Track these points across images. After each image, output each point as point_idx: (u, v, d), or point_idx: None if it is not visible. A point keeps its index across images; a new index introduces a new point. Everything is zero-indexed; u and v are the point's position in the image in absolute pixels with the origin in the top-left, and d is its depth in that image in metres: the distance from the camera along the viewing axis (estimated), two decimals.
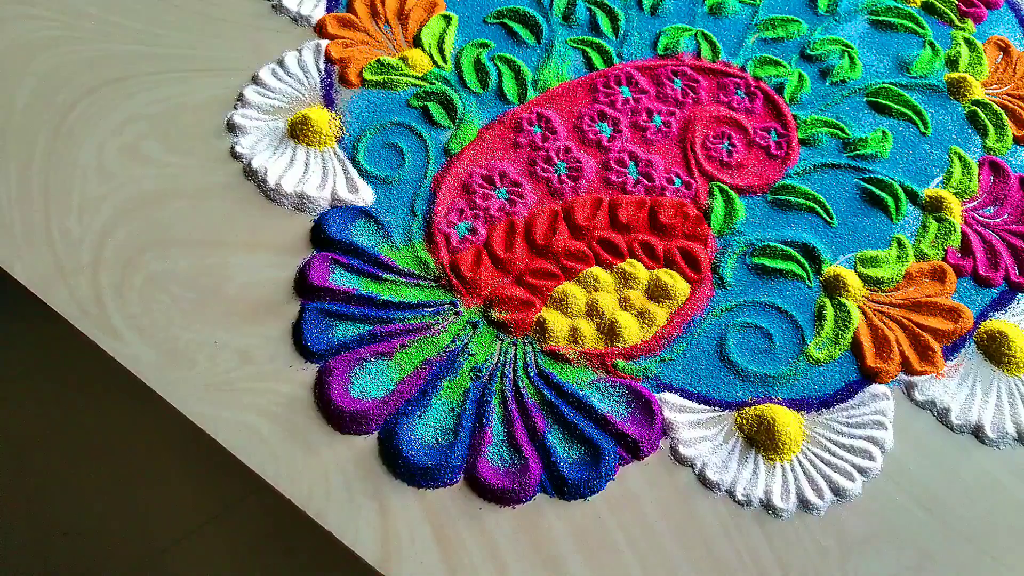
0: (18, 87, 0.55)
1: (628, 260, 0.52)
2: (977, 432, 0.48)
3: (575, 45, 0.62)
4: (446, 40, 0.61)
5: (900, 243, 0.54)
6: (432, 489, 0.43)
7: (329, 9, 0.62)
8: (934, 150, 0.59)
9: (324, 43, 0.59)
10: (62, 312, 0.47)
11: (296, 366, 0.46)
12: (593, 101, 0.59)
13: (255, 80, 0.57)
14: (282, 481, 0.43)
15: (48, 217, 0.50)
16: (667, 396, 0.47)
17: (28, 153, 0.52)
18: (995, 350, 0.50)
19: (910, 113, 0.60)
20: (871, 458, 0.46)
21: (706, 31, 0.64)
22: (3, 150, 0.52)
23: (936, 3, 0.67)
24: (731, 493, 0.44)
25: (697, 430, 0.46)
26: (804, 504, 0.44)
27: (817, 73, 0.62)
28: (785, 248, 0.53)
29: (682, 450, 0.45)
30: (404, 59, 0.59)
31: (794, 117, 0.59)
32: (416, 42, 0.61)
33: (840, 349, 0.50)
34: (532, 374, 0.47)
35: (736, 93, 0.60)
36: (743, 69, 0.62)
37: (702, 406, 0.47)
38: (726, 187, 0.55)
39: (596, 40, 0.62)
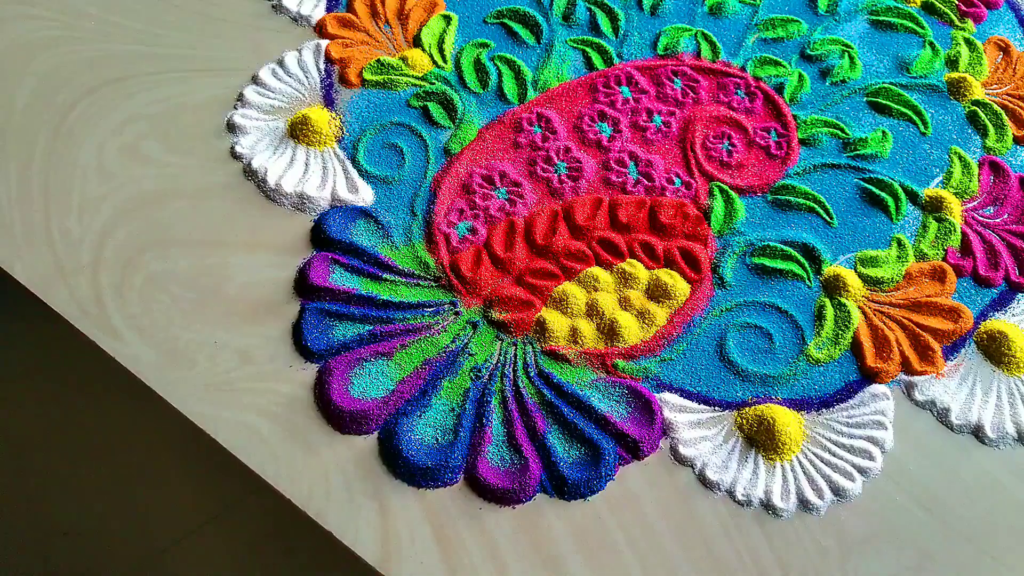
0: (18, 87, 0.55)
1: (628, 260, 0.52)
2: (977, 432, 0.48)
3: (575, 45, 0.62)
4: (446, 40, 0.61)
5: (900, 243, 0.54)
6: (432, 489, 0.43)
7: (329, 9, 0.62)
8: (934, 150, 0.59)
9: (324, 43, 0.59)
10: (62, 312, 0.47)
11: (296, 366, 0.46)
12: (593, 101, 0.59)
13: (255, 80, 0.57)
14: (282, 481, 0.43)
15: (48, 217, 0.50)
16: (667, 396, 0.47)
17: (28, 153, 0.52)
18: (995, 350, 0.50)
19: (910, 113, 0.60)
20: (871, 458, 0.46)
21: (706, 31, 0.64)
22: (3, 150, 0.52)
23: (936, 3, 0.67)
24: (731, 493, 0.44)
25: (697, 430, 0.46)
26: (804, 504, 0.44)
27: (817, 73, 0.62)
28: (785, 248, 0.53)
29: (682, 450, 0.45)
30: (404, 59, 0.59)
31: (794, 117, 0.59)
32: (416, 42, 0.61)
33: (840, 349, 0.50)
34: (532, 374, 0.47)
35: (736, 93, 0.60)
36: (743, 69, 0.62)
37: (702, 406, 0.47)
38: (726, 187, 0.55)
39: (596, 40, 0.62)
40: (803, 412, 0.47)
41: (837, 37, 0.64)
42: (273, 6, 0.61)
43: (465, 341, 0.48)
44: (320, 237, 0.51)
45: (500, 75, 0.59)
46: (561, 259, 0.51)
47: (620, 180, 0.55)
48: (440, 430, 0.45)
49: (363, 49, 0.60)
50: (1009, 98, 0.63)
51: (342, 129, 0.56)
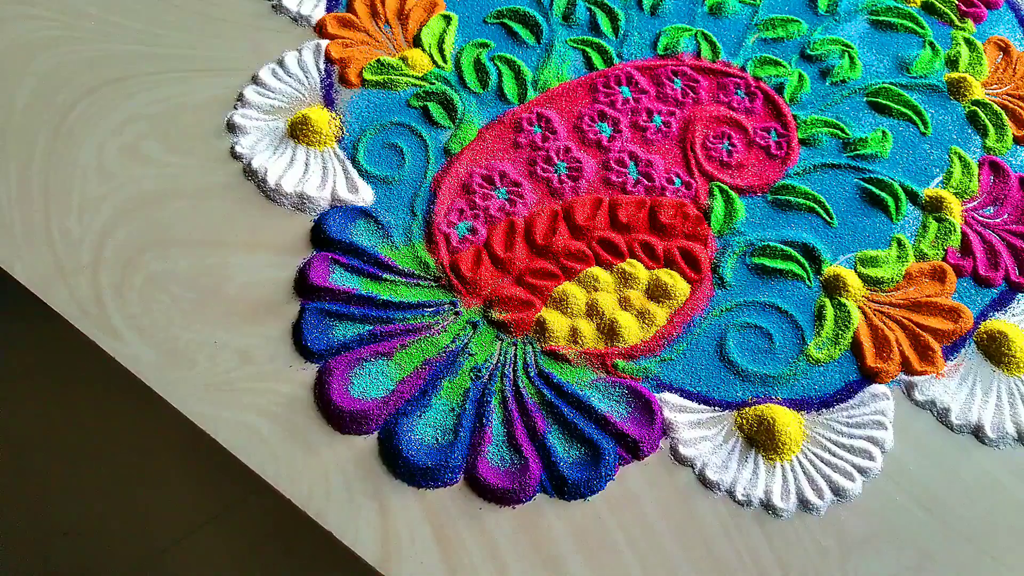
0: (18, 87, 0.55)
1: (628, 260, 0.52)
2: (977, 432, 0.48)
3: (575, 45, 0.62)
4: (446, 40, 0.61)
5: (900, 243, 0.54)
6: (432, 489, 0.43)
7: (329, 9, 0.62)
8: (934, 150, 0.59)
9: (324, 43, 0.59)
10: (62, 312, 0.47)
11: (296, 366, 0.46)
12: (593, 101, 0.59)
13: (255, 80, 0.57)
14: (282, 481, 0.43)
15: (48, 217, 0.50)
16: (667, 396, 0.47)
17: (28, 153, 0.52)
18: (995, 350, 0.50)
19: (910, 113, 0.60)
20: (871, 458, 0.46)
21: (706, 31, 0.64)
22: (3, 150, 0.52)
23: (936, 3, 0.67)
24: (731, 493, 0.44)
25: (697, 430, 0.46)
26: (804, 504, 0.44)
27: (817, 73, 0.62)
28: (785, 248, 0.53)
29: (682, 450, 0.45)
30: (404, 59, 0.59)
31: (794, 117, 0.59)
32: (416, 42, 0.61)
33: (840, 349, 0.50)
34: (532, 374, 0.47)
35: (736, 93, 0.60)
36: (743, 69, 0.62)
37: (702, 406, 0.47)
38: (726, 187, 0.55)
39: (596, 40, 0.62)
40: (803, 412, 0.47)
41: (837, 37, 0.64)
42: (273, 6, 0.61)
43: (465, 341, 0.48)
44: (320, 237, 0.51)
45: (500, 75, 0.59)
46: (561, 259, 0.51)
47: (620, 180, 0.55)
48: (440, 430, 0.45)
49: (363, 49, 0.60)
50: (1009, 98, 0.63)
51: (342, 129, 0.56)
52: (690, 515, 0.44)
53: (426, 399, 0.46)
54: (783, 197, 0.55)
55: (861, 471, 0.45)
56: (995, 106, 0.62)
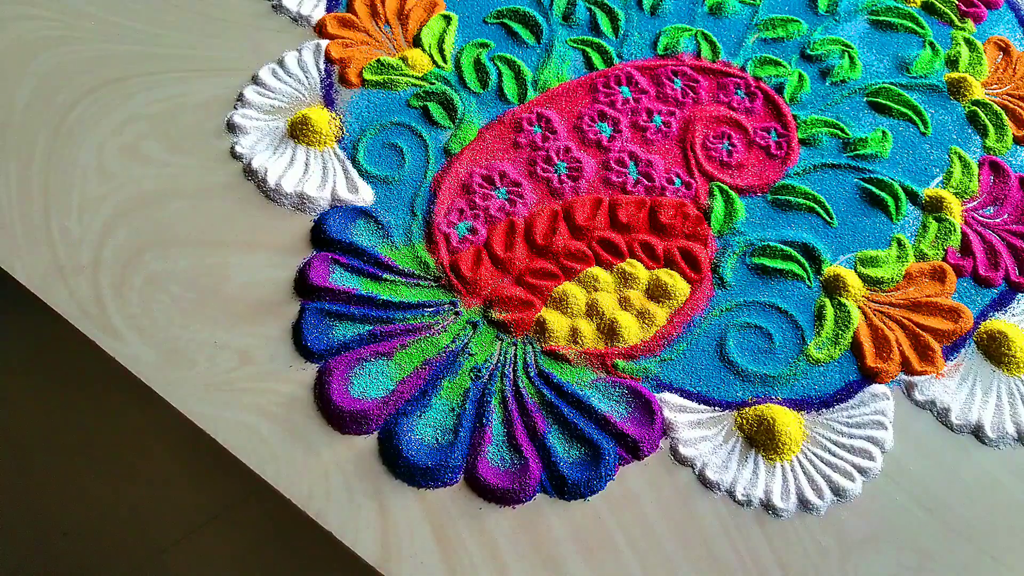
0: (18, 87, 0.55)
1: (628, 260, 0.52)
2: (977, 432, 0.48)
3: (575, 45, 0.62)
4: (446, 40, 0.61)
5: (900, 243, 0.54)
6: (432, 489, 0.43)
7: (329, 9, 0.62)
8: (934, 150, 0.59)
9: (324, 43, 0.59)
10: (62, 312, 0.47)
11: (296, 366, 0.46)
12: (593, 101, 0.59)
13: (255, 80, 0.57)
14: (282, 481, 0.43)
15: (48, 217, 0.50)
16: (667, 396, 0.47)
17: (28, 153, 0.52)
18: (995, 350, 0.50)
19: (910, 113, 0.60)
20: (871, 458, 0.46)
21: (706, 31, 0.64)
22: (3, 150, 0.52)
23: (936, 3, 0.67)
24: (731, 493, 0.44)
25: (697, 430, 0.46)
26: (804, 504, 0.44)
27: (817, 73, 0.62)
28: (785, 248, 0.53)
29: (682, 450, 0.45)
30: (404, 59, 0.59)
31: (794, 117, 0.59)
32: (416, 42, 0.61)
33: (840, 349, 0.50)
34: (532, 374, 0.47)
35: (736, 93, 0.60)
36: (743, 69, 0.62)
37: (702, 406, 0.47)
38: (726, 187, 0.55)
39: (596, 40, 0.62)
40: (803, 412, 0.47)
41: (837, 37, 0.64)
42: (273, 6, 0.61)
43: (465, 341, 0.48)
44: (320, 237, 0.51)
45: (500, 75, 0.59)
46: (561, 259, 0.51)
47: (620, 180, 0.55)
48: (440, 430, 0.45)
49: (363, 49, 0.60)
50: (1009, 98, 0.63)
51: (342, 129, 0.56)
52: (690, 515, 0.44)
53: (426, 399, 0.46)
54: (783, 197, 0.55)
55: (861, 471, 0.45)
56: (995, 106, 0.62)
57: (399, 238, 0.51)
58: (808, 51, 0.63)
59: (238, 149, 0.54)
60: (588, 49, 0.62)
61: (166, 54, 0.58)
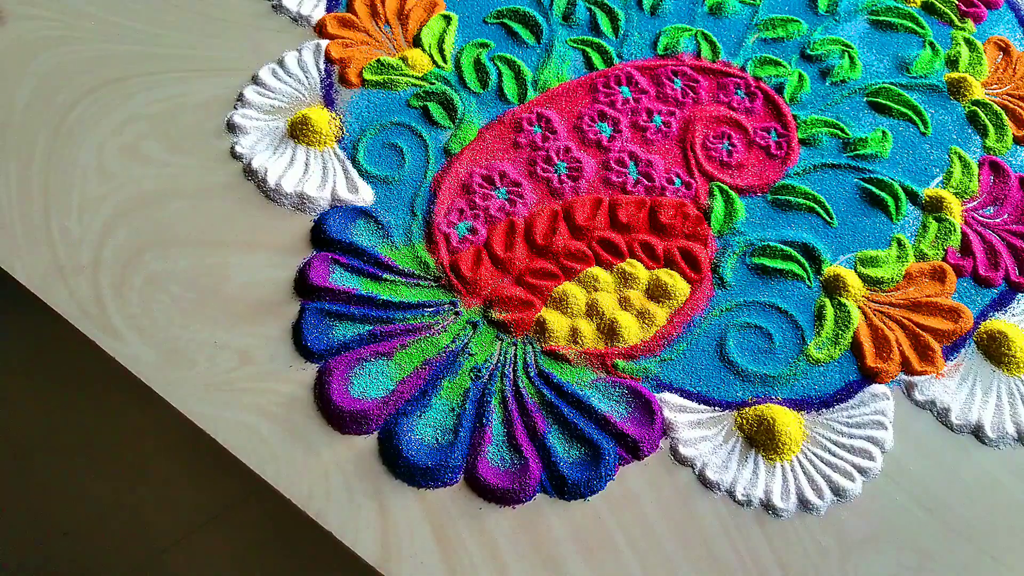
0: (18, 87, 0.55)
1: (628, 260, 0.52)
2: (977, 432, 0.48)
3: (575, 45, 0.62)
4: (446, 40, 0.61)
5: (900, 243, 0.54)
6: (432, 489, 0.43)
7: (329, 9, 0.62)
8: (934, 150, 0.59)
9: (324, 43, 0.59)
10: (62, 312, 0.47)
11: (296, 366, 0.46)
12: (593, 101, 0.59)
13: (255, 80, 0.57)
14: (282, 481, 0.43)
15: (48, 217, 0.50)
16: (667, 396, 0.47)
17: (28, 153, 0.52)
18: (995, 350, 0.50)
19: (910, 113, 0.60)
20: (871, 458, 0.46)
21: (706, 31, 0.64)
22: (3, 150, 0.52)
23: (936, 3, 0.67)
24: (731, 493, 0.44)
25: (697, 430, 0.46)
26: (804, 504, 0.44)
27: (817, 73, 0.62)
28: (785, 248, 0.53)
29: (682, 450, 0.45)
30: (404, 59, 0.59)
31: (794, 117, 0.59)
32: (416, 42, 0.61)
33: (840, 349, 0.50)
34: (532, 374, 0.47)
35: (736, 93, 0.60)
36: (743, 69, 0.62)
37: (702, 406, 0.47)
38: (726, 187, 0.55)
39: (596, 40, 0.62)
40: (803, 412, 0.47)
41: (837, 37, 0.64)
42: (273, 6, 0.61)
43: (465, 341, 0.48)
44: (320, 237, 0.51)
45: (500, 75, 0.59)
46: (561, 259, 0.51)
47: (620, 180, 0.55)
48: (440, 430, 0.45)
49: (363, 49, 0.60)
50: (1009, 98, 0.63)
51: (342, 129, 0.56)
52: (690, 515, 0.44)
53: (426, 399, 0.46)
54: (783, 197, 0.55)
55: (861, 471, 0.45)
56: (995, 106, 0.62)
57: (399, 238, 0.51)
58: (808, 51, 0.63)
59: (238, 149, 0.54)
60: (588, 49, 0.62)
61: (166, 54, 0.58)
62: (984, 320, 0.52)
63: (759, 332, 0.50)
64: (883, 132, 0.59)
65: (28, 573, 0.68)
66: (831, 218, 0.55)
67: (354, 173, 0.54)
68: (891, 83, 0.62)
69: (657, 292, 0.50)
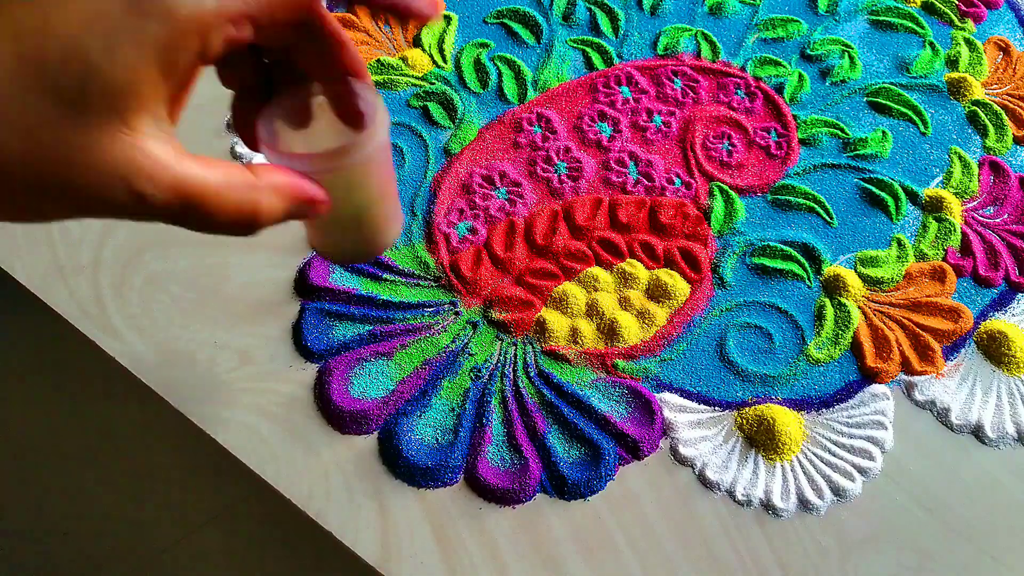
0: None
1: (628, 260, 0.52)
2: (977, 432, 0.48)
3: (575, 45, 0.62)
4: (446, 40, 0.61)
5: (900, 243, 0.54)
6: (432, 489, 0.43)
7: (329, 9, 0.62)
8: (934, 150, 0.59)
9: None
10: (62, 312, 0.47)
11: (296, 366, 0.46)
12: (593, 101, 0.59)
13: None
14: (282, 481, 0.43)
15: None
16: (667, 396, 0.47)
17: None
18: (995, 350, 0.50)
19: (910, 113, 0.60)
20: (871, 458, 0.46)
21: (706, 31, 0.64)
22: None
23: (936, 3, 0.67)
24: (731, 493, 0.44)
25: (697, 430, 0.46)
26: (804, 504, 0.44)
27: (817, 73, 0.62)
28: (785, 248, 0.53)
29: (682, 450, 0.45)
30: (404, 59, 0.59)
31: (794, 117, 0.59)
32: (416, 42, 0.61)
33: (840, 349, 0.50)
34: (532, 374, 0.47)
35: (736, 93, 0.60)
36: (743, 69, 0.62)
37: (702, 406, 0.47)
38: (726, 187, 0.55)
39: (596, 40, 0.62)
40: (803, 412, 0.47)
41: (837, 37, 0.64)
42: None
43: (465, 341, 0.48)
44: None
45: (500, 75, 0.59)
46: (561, 259, 0.51)
47: (620, 180, 0.55)
48: (440, 430, 0.45)
49: (363, 49, 0.60)
50: (1009, 98, 0.63)
51: None
52: (690, 515, 0.44)
53: (426, 399, 0.46)
54: (783, 197, 0.55)
55: (861, 471, 0.45)
56: (995, 106, 0.62)
57: (399, 238, 0.51)
58: (808, 51, 0.63)
59: (238, 149, 0.54)
60: (588, 49, 0.62)
61: None
62: (984, 320, 0.52)
63: (759, 332, 0.50)
64: (883, 132, 0.59)
65: (28, 573, 0.68)
66: (831, 218, 0.55)
67: None
68: (891, 83, 0.62)
69: (657, 292, 0.50)
